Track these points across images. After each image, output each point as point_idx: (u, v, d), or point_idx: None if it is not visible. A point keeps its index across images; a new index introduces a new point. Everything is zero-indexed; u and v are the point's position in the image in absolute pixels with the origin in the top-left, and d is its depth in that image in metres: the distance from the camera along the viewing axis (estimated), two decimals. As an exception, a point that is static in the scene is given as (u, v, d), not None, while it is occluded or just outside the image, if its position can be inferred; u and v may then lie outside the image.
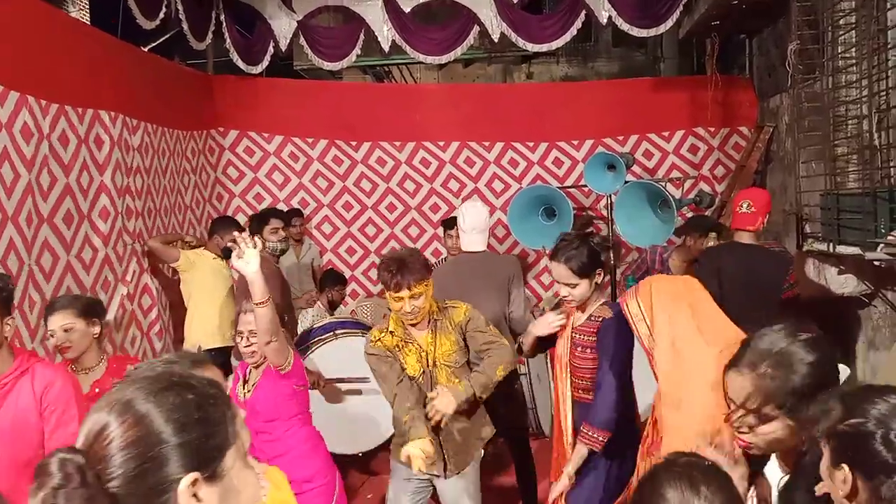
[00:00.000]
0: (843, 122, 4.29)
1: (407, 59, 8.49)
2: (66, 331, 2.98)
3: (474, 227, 4.11)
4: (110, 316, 4.51)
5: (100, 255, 4.56)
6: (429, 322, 3.08)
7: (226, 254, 5.19)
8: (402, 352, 3.09)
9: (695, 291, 2.55)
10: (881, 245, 3.38)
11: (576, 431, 2.92)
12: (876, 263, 3.54)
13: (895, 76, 3.89)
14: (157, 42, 6.59)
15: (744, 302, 3.77)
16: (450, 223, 5.48)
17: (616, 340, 2.87)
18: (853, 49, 4.24)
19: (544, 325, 3.06)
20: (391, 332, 3.09)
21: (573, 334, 3.01)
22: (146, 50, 6.20)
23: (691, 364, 2.35)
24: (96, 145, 4.60)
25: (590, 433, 2.80)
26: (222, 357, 5.02)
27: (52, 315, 3.01)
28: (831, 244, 3.85)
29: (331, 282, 5.85)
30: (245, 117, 6.68)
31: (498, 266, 4.11)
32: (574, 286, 2.91)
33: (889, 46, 3.85)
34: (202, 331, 5.03)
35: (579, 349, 2.98)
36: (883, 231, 3.38)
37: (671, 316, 2.47)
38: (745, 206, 3.85)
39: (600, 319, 2.94)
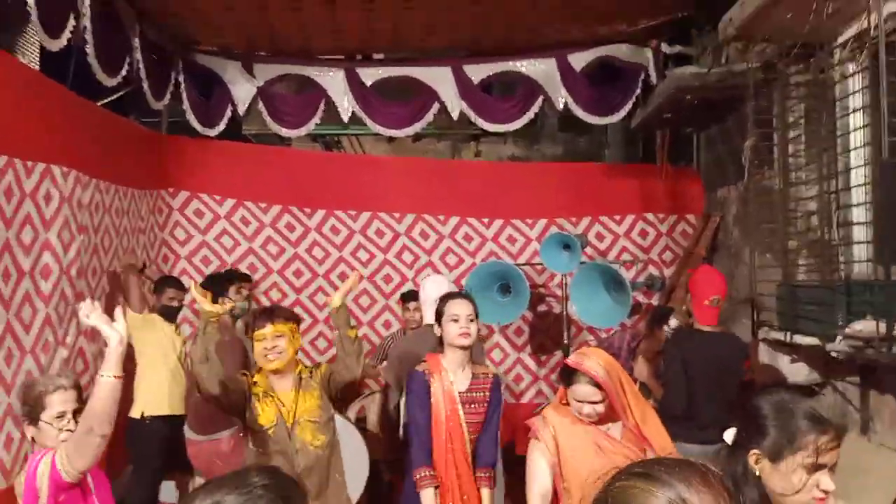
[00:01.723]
0: (794, 218, 4.49)
1: (364, 131, 8.55)
2: None
3: (437, 300, 4.09)
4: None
5: (40, 315, 4.32)
6: (293, 379, 3.22)
7: (163, 314, 4.98)
8: (260, 401, 3.16)
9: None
10: (839, 337, 3.50)
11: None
12: (834, 355, 3.66)
13: (845, 177, 4.13)
14: (110, 98, 6.45)
15: (708, 387, 3.88)
16: (408, 296, 5.44)
17: (500, 398, 3.34)
18: (802, 149, 4.48)
19: None
20: (255, 383, 3.21)
21: (466, 392, 3.20)
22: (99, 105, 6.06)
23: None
24: (45, 201, 4.41)
25: (488, 474, 3.21)
26: (169, 426, 4.80)
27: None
28: (788, 334, 3.97)
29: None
30: (196, 179, 6.55)
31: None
32: (473, 320, 3.21)
33: (840, 151, 4.09)
34: (149, 397, 4.81)
35: (474, 406, 3.21)
36: (841, 324, 3.51)
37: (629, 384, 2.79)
38: (715, 301, 3.95)
39: (490, 376, 3.30)
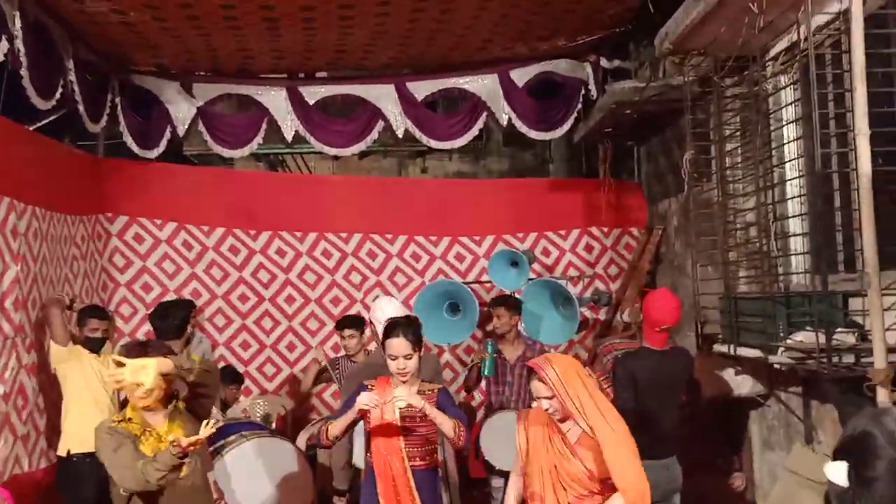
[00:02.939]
0: (733, 229, 4.56)
1: (307, 149, 8.46)
2: None
3: None
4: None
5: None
6: (164, 412, 3.00)
7: (87, 345, 4.75)
8: (139, 440, 2.92)
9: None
10: (781, 349, 3.55)
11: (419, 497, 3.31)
12: (777, 366, 3.71)
13: (781, 189, 4.22)
14: (45, 122, 6.26)
15: (656, 403, 3.88)
16: (341, 324, 5.31)
17: (448, 401, 3.41)
18: (739, 161, 4.57)
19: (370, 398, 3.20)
20: (129, 420, 2.95)
21: (408, 408, 3.27)
22: (32, 129, 5.86)
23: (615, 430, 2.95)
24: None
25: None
26: (97, 464, 4.57)
27: None
28: (732, 347, 4.02)
29: (227, 380, 5.52)
30: (135, 203, 6.38)
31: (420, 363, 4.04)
32: (410, 358, 3.31)
33: (775, 163, 4.18)
34: (76, 433, 4.55)
35: (417, 419, 3.32)
36: (782, 335, 3.56)
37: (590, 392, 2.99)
38: (667, 328, 3.90)
39: (434, 391, 3.40)
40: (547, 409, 2.97)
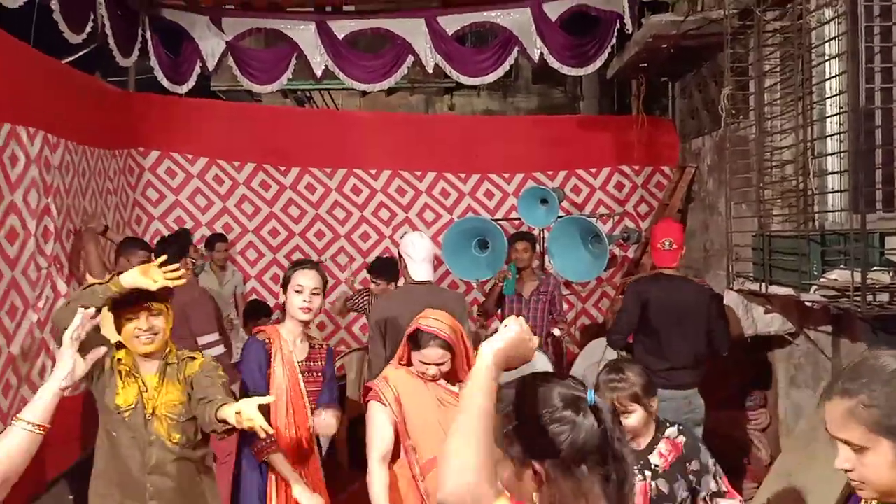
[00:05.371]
0: (769, 167, 4.49)
1: (336, 85, 8.40)
2: None
3: (425, 257, 4.06)
4: (16, 346, 4.18)
5: (5, 278, 4.24)
6: (160, 364, 2.77)
7: None
8: (122, 379, 2.72)
9: None
10: (814, 287, 3.53)
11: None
12: (808, 304, 3.70)
13: (820, 126, 4.13)
14: (76, 56, 6.27)
15: (673, 330, 3.93)
16: (374, 272, 5.15)
17: (333, 370, 3.25)
18: (778, 97, 4.47)
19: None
20: (119, 360, 2.75)
21: (305, 362, 3.08)
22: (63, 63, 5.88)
23: None
24: (10, 162, 4.30)
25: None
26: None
27: None
28: (763, 285, 4.00)
29: (255, 314, 5.63)
30: (167, 138, 6.41)
31: (446, 301, 4.06)
32: (318, 294, 3.05)
33: (815, 99, 4.08)
34: None
35: (312, 375, 3.11)
36: (816, 273, 3.54)
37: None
38: (667, 243, 4.02)
39: (324, 346, 3.23)
40: (434, 375, 2.75)
